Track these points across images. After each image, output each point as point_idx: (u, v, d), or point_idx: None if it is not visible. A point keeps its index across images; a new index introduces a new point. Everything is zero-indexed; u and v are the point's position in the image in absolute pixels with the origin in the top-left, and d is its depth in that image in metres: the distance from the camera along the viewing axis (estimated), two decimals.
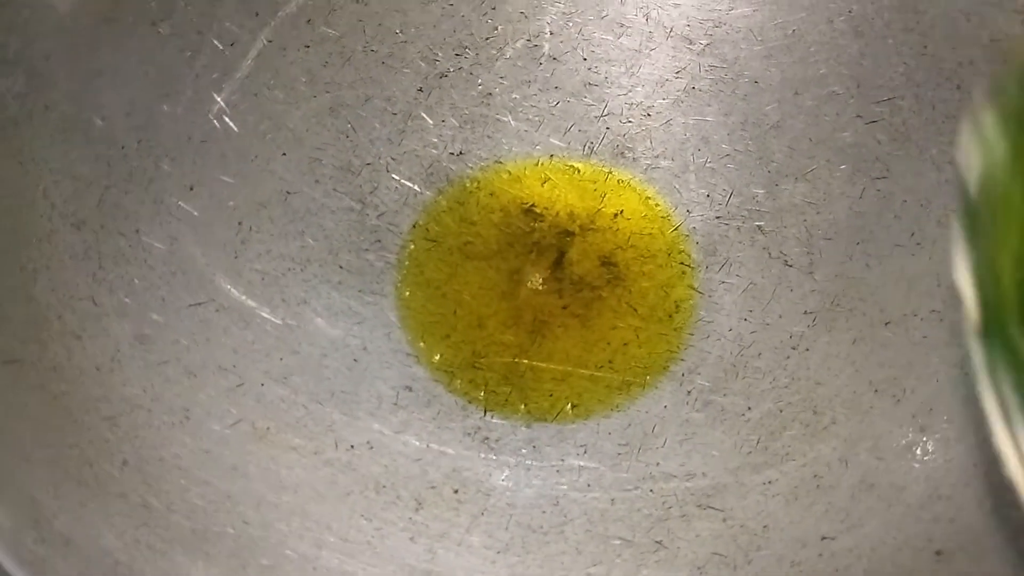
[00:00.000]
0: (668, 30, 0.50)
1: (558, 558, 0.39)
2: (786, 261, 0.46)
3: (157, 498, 0.36)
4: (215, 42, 0.46)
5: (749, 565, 0.38)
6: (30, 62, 0.41)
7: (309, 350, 0.43)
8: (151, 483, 0.36)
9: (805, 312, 0.45)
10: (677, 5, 0.50)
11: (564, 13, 0.50)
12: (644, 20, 0.50)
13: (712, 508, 0.40)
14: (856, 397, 0.42)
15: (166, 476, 0.37)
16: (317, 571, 0.36)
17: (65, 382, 0.38)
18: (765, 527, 0.39)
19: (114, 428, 0.37)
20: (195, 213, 0.44)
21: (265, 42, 0.46)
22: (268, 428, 0.40)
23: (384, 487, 0.40)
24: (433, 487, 0.40)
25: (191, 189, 0.44)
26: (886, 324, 0.43)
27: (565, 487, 0.41)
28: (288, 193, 0.46)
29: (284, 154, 0.47)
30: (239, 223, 0.45)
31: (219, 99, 0.46)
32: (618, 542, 0.39)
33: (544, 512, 0.40)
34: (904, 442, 0.40)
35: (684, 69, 0.50)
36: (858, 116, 0.47)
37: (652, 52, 0.50)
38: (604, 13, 0.50)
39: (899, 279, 0.43)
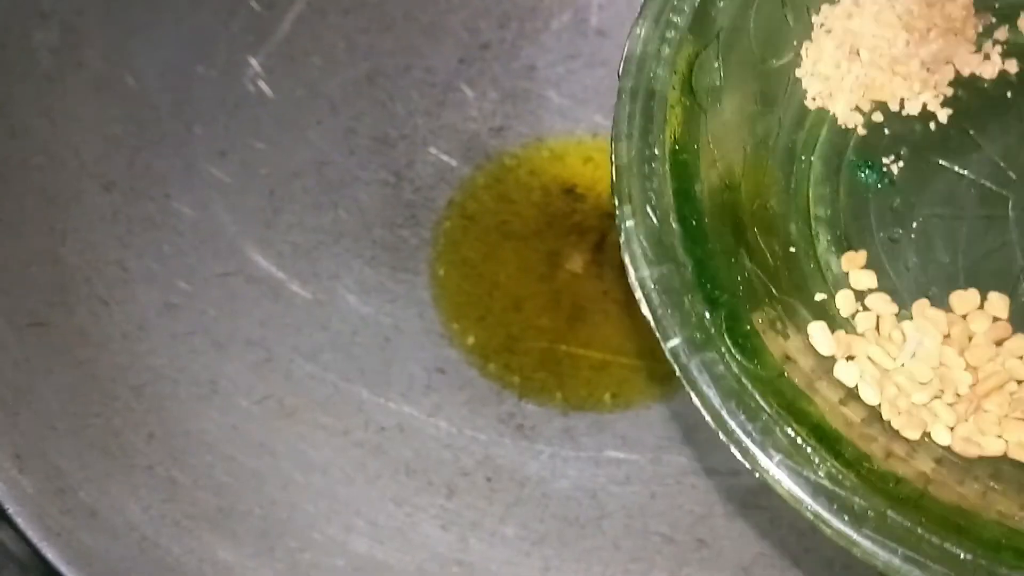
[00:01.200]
0: None
1: (596, 552, 0.37)
2: None
3: (183, 473, 0.34)
4: (252, 3, 0.44)
5: (797, 567, 0.36)
6: (64, 15, 0.40)
7: (340, 327, 0.42)
8: (177, 457, 0.35)
9: None
10: None
11: None
12: None
13: (759, 507, 0.38)
14: None
15: (192, 450, 0.35)
16: (346, 556, 0.34)
17: (91, 347, 0.36)
18: (814, 528, 0.37)
19: (140, 398, 0.36)
20: (226, 179, 0.42)
21: (304, 5, 0.45)
22: (296, 405, 0.38)
23: (415, 471, 0.38)
24: (466, 474, 0.39)
25: (223, 155, 0.42)
26: None
27: (603, 479, 0.40)
28: (322, 163, 0.45)
29: (319, 122, 0.45)
30: (271, 192, 0.43)
31: (254, 63, 0.44)
32: (658, 538, 0.38)
33: (581, 504, 0.39)
34: None
35: None
36: None
37: None
38: None
39: None
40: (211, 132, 0.42)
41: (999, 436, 0.26)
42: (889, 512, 0.22)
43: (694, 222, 0.26)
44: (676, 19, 0.27)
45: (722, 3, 0.28)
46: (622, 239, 0.25)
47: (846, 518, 0.22)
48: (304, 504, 0.35)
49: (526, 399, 0.42)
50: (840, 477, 0.22)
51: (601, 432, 0.41)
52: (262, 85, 0.44)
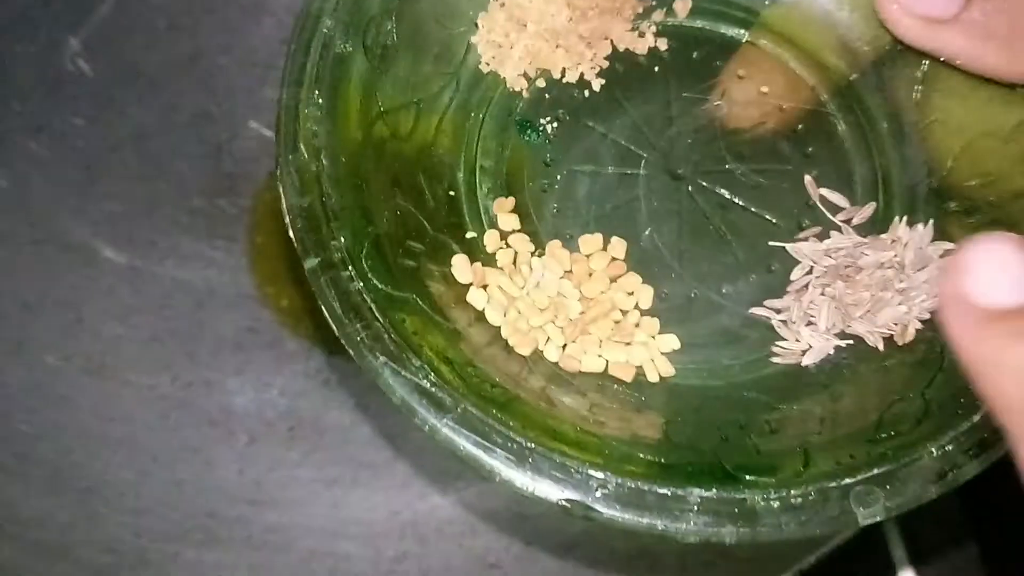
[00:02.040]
0: None
1: (385, 491, 0.40)
2: None
3: None
4: None
5: None
6: None
7: (153, 291, 0.44)
8: None
9: None
10: None
11: None
12: None
13: None
14: None
15: None
16: (138, 497, 0.37)
17: None
18: None
19: None
20: (43, 152, 0.44)
21: None
22: (103, 364, 0.41)
23: (217, 423, 0.41)
24: (268, 424, 0.42)
25: (39, 130, 0.44)
26: None
27: (404, 425, 0.43)
28: (141, 137, 0.47)
29: (139, 99, 0.47)
30: (88, 166, 0.45)
31: (74, 42, 0.46)
32: (455, 470, 0.41)
33: (377, 449, 0.42)
34: None
35: None
36: None
37: None
38: None
39: None
40: (28, 108, 0.44)
41: (599, 356, 0.30)
42: (468, 407, 0.26)
43: (343, 159, 0.29)
44: None
45: None
46: (278, 172, 0.28)
47: (431, 409, 0.26)
48: (101, 451, 0.38)
49: (336, 355, 0.45)
50: (432, 377, 0.26)
51: None
52: (81, 63, 0.46)
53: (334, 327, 0.27)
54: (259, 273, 0.47)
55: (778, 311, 0.31)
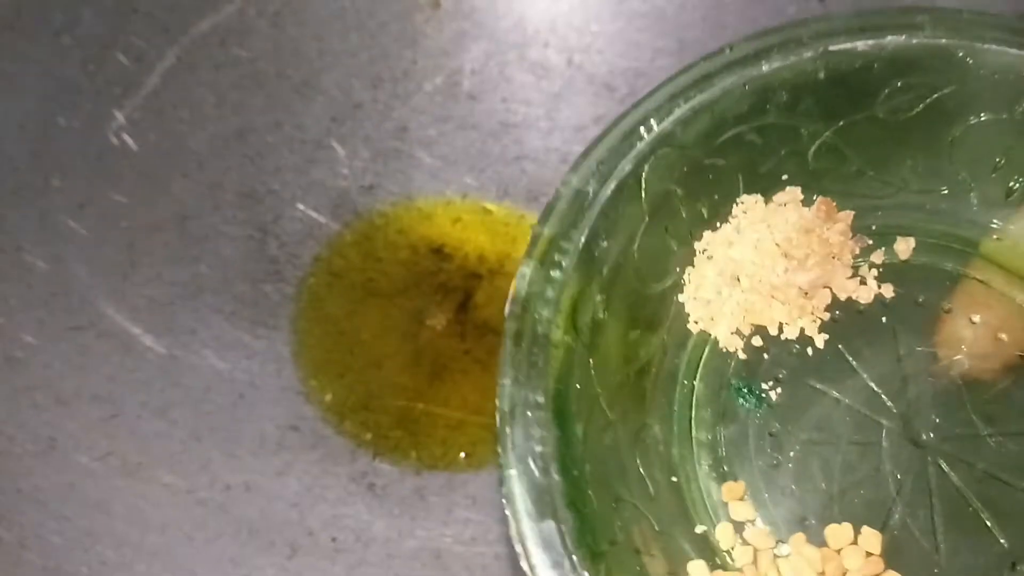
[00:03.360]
0: (590, 76, 0.49)
1: None
2: None
3: (10, 532, 0.34)
4: (120, 56, 0.44)
5: None
6: None
7: (193, 382, 0.42)
8: (4, 515, 0.34)
9: None
10: (600, 52, 0.50)
11: (486, 52, 0.50)
12: (566, 64, 0.50)
13: None
14: None
15: (22, 508, 0.35)
16: None
17: None
18: None
19: None
20: (83, 232, 0.42)
21: (174, 60, 0.45)
22: (140, 463, 0.38)
23: (258, 531, 0.38)
24: (311, 534, 0.39)
25: (81, 207, 0.42)
26: None
27: (450, 539, 0.40)
28: (185, 217, 0.45)
29: (184, 176, 0.45)
30: (130, 245, 0.43)
31: (120, 115, 0.44)
32: None
33: (425, 565, 0.39)
34: None
35: (603, 116, 0.49)
36: None
37: (572, 97, 0.50)
38: (526, 55, 0.50)
39: None
40: (70, 184, 0.42)
41: None
42: None
43: (575, 472, 0.25)
44: (561, 260, 0.27)
45: (605, 242, 0.28)
46: (503, 488, 0.25)
47: None
48: (136, 565, 0.35)
49: (380, 458, 0.43)
50: None
51: (452, 492, 0.42)
52: (126, 138, 0.44)
53: None
54: (302, 365, 0.44)
55: None
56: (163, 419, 0.40)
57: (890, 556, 0.28)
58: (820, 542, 0.28)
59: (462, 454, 0.43)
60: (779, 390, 0.30)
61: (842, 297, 0.31)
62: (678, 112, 0.29)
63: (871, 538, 0.28)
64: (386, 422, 0.44)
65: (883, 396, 0.30)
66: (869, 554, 0.28)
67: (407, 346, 0.46)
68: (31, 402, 0.37)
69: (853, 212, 0.31)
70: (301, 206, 0.47)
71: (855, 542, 0.28)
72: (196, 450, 0.40)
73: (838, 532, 0.28)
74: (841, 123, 0.30)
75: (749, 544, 0.28)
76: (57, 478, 0.36)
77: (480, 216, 0.49)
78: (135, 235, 0.43)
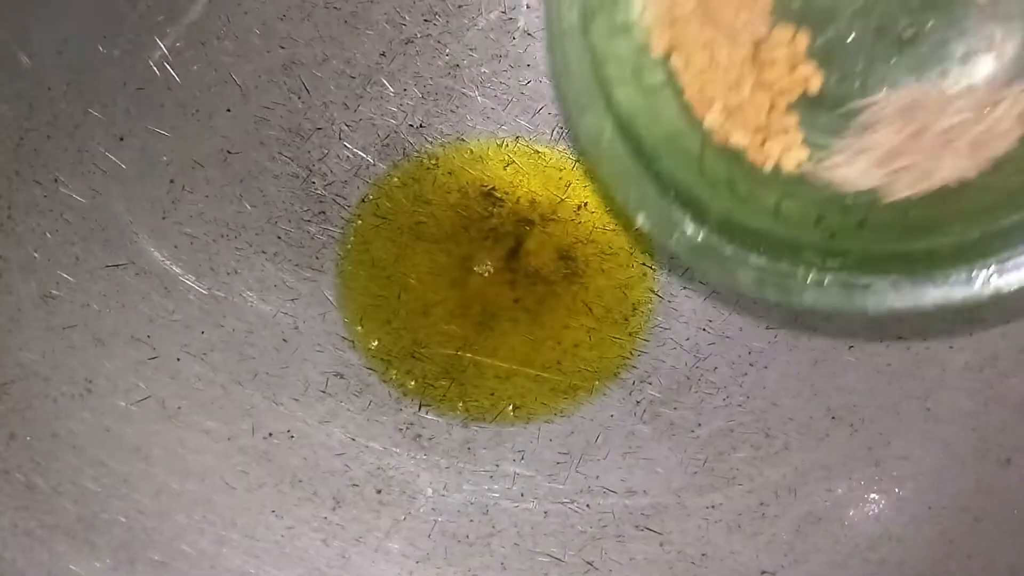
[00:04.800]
0: None
1: (482, 572, 0.36)
2: None
3: (44, 478, 0.33)
4: None
5: None
6: None
7: (235, 325, 0.40)
8: (40, 461, 0.33)
9: (767, 327, 0.42)
10: None
11: None
12: None
13: (650, 530, 0.37)
14: (812, 423, 0.39)
15: (57, 454, 0.33)
16: (216, 570, 0.33)
17: None
18: (704, 555, 0.37)
19: (4, 396, 0.34)
20: (123, 166, 0.40)
21: None
22: (179, 407, 0.37)
23: (301, 482, 0.37)
24: (355, 485, 0.38)
25: (121, 140, 0.40)
26: (850, 348, 0.40)
27: (497, 495, 0.39)
28: (229, 153, 0.43)
29: (229, 110, 0.43)
30: (171, 181, 0.41)
31: (162, 44, 0.42)
32: (546, 559, 0.37)
33: (472, 521, 0.38)
34: (857, 476, 0.37)
35: None
36: None
37: None
38: None
39: None
40: (110, 115, 0.40)
41: None
42: None
43: None
44: None
45: None
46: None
47: None
48: (175, 514, 0.34)
49: (427, 408, 0.41)
50: None
51: (500, 445, 0.40)
52: (169, 68, 0.42)
53: None
54: (348, 310, 0.43)
55: None
56: (204, 362, 0.38)
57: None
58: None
59: (511, 406, 0.41)
60: None
61: None
62: None
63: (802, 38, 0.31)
64: (433, 371, 0.42)
65: None
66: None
67: (455, 293, 0.44)
68: (67, 342, 0.36)
69: None
70: (348, 144, 0.45)
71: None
72: (238, 395, 0.38)
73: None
74: None
75: None
76: (93, 422, 0.35)
77: (533, 159, 0.47)
78: (176, 170, 0.41)
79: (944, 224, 0.31)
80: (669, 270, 0.44)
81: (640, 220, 0.31)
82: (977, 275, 0.30)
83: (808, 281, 0.31)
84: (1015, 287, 0.29)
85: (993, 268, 0.30)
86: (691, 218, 0.31)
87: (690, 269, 0.41)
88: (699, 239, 0.31)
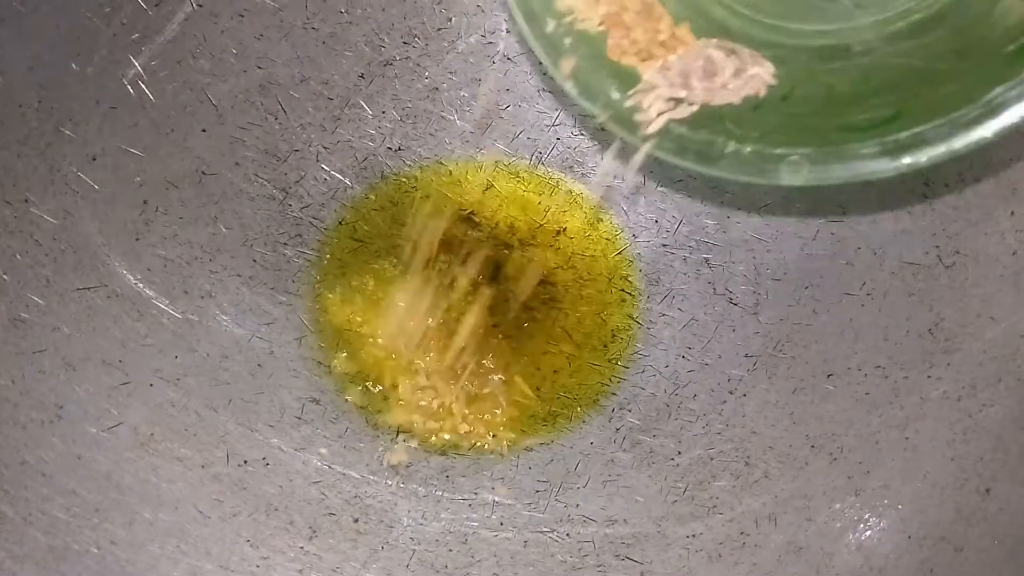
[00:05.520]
0: None
1: None
2: (731, 299, 0.43)
3: (13, 507, 0.32)
4: (139, 0, 0.41)
5: None
6: None
7: (209, 349, 0.39)
8: (8, 489, 0.32)
9: (746, 355, 0.42)
10: None
11: None
12: None
13: (631, 559, 0.37)
14: (792, 451, 0.39)
15: (27, 482, 0.32)
16: None
17: None
18: None
19: None
20: (95, 186, 0.39)
21: (195, 6, 0.42)
22: (152, 434, 0.36)
23: (276, 510, 0.36)
24: (332, 514, 0.37)
25: (94, 159, 0.40)
26: (828, 376, 0.40)
27: (476, 524, 0.38)
28: (203, 173, 0.42)
29: (204, 131, 0.42)
30: (145, 202, 0.40)
31: (136, 63, 0.41)
32: None
33: (451, 550, 0.37)
34: (837, 505, 0.37)
35: None
36: None
37: None
38: None
39: (846, 329, 0.41)
40: (82, 135, 0.40)
41: None
42: None
43: None
44: None
45: None
46: None
47: None
48: (148, 544, 0.33)
49: (404, 435, 0.40)
50: None
51: (478, 473, 0.40)
52: (143, 87, 0.41)
53: None
54: (323, 334, 0.42)
55: None
56: (177, 388, 0.37)
57: None
58: None
59: (490, 434, 0.41)
60: None
61: None
62: None
63: None
64: (410, 397, 0.41)
65: None
66: None
67: (434, 318, 0.43)
68: (37, 367, 0.35)
69: None
70: (326, 167, 0.45)
71: None
72: (212, 421, 0.37)
73: None
74: None
75: None
76: (64, 449, 0.34)
77: (512, 184, 0.46)
78: (150, 191, 0.41)
79: (862, 99, 0.32)
80: (648, 297, 0.44)
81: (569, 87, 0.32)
82: (889, 150, 0.30)
83: (727, 151, 0.31)
84: (924, 162, 0.30)
85: (906, 143, 0.30)
86: (617, 87, 0.32)
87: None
88: (625, 105, 0.32)
